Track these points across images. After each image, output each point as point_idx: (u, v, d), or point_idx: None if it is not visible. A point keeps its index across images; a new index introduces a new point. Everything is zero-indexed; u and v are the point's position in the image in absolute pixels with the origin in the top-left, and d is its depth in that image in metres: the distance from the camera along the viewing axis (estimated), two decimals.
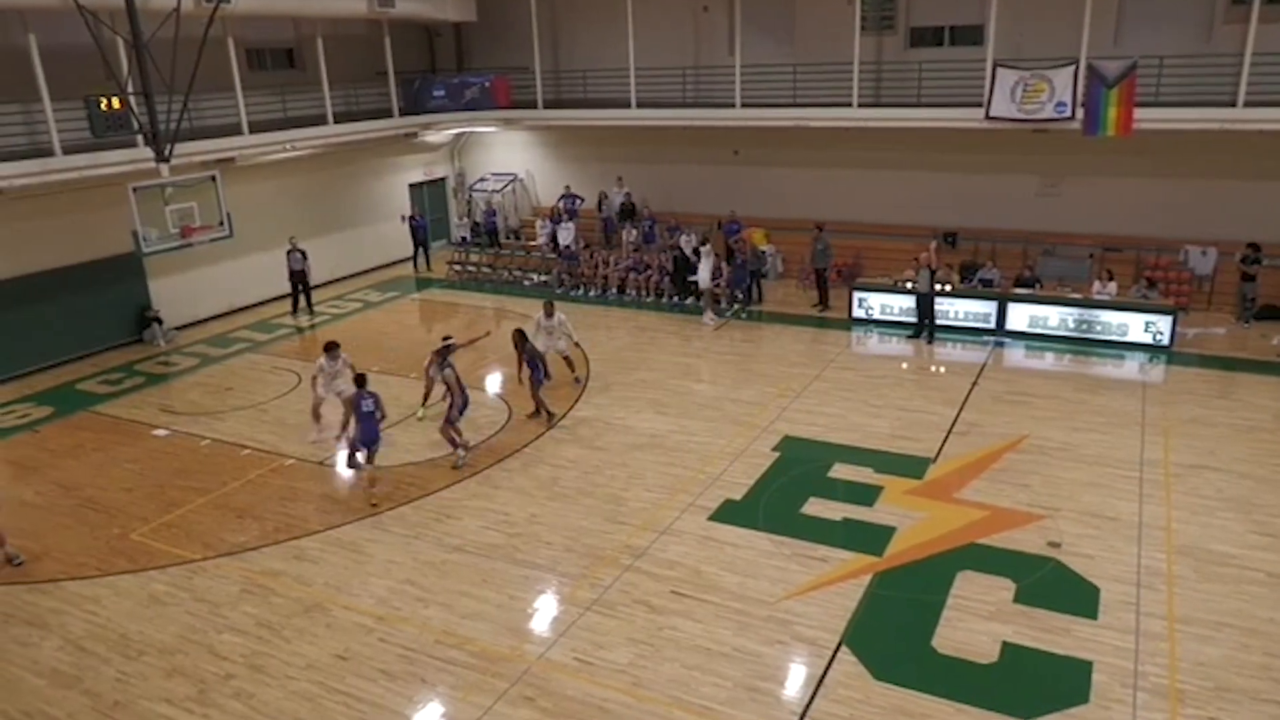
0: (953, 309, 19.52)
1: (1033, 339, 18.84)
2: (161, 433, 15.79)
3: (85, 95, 16.84)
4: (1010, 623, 9.76)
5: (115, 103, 17.12)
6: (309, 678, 9.38)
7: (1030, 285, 19.63)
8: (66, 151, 17.27)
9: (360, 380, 13.06)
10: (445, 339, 15.27)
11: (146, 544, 12.18)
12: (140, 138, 17.79)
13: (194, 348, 20.50)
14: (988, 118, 19.94)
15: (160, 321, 20.96)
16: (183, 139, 17.82)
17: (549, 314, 16.81)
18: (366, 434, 12.83)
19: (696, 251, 21.42)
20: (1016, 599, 10.16)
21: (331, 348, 14.86)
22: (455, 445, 14.10)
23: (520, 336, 15.45)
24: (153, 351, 20.21)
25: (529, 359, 15.42)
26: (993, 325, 19.22)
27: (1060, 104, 19.19)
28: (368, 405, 12.78)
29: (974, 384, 16.58)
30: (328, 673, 9.44)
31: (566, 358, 17.18)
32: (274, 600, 10.77)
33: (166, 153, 17.29)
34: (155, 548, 12.07)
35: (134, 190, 16.59)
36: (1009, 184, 22.22)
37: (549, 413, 15.52)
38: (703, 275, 20.69)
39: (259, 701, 9.06)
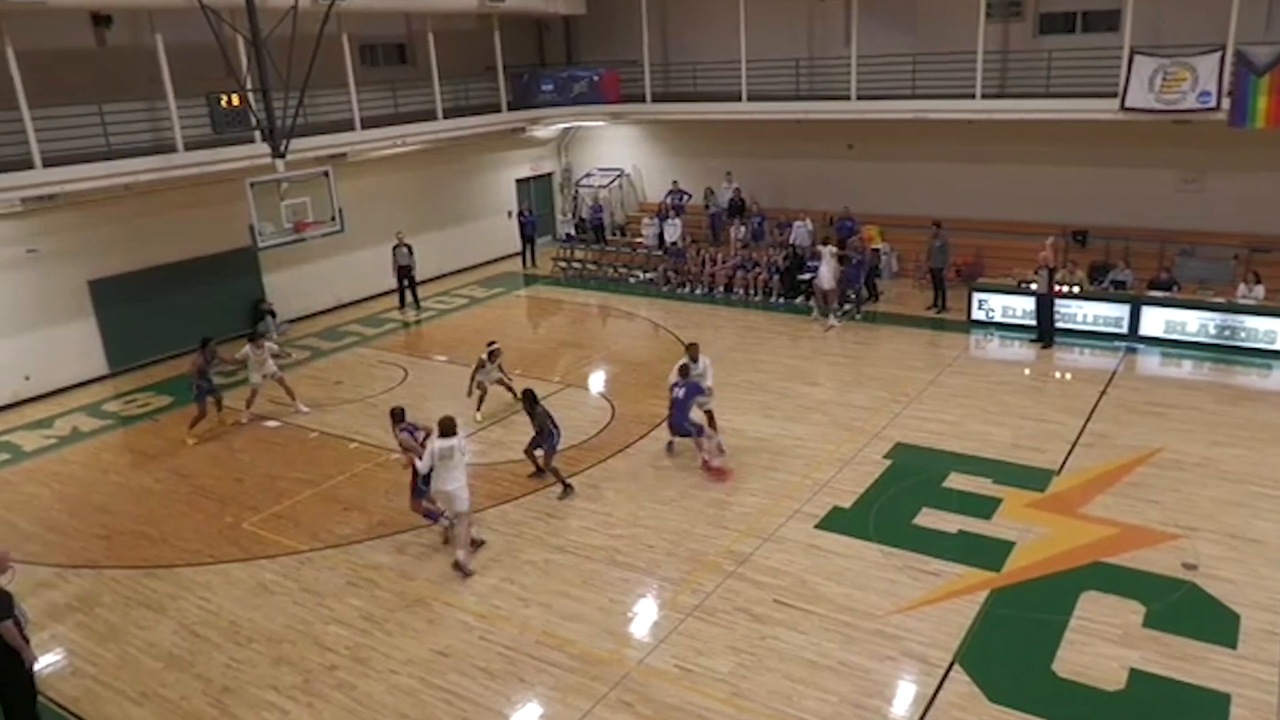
0: (1081, 312, 18.88)
1: (1169, 345, 18.06)
2: (272, 424, 16.40)
3: (207, 92, 17.59)
4: (1139, 648, 9.37)
5: (235, 99, 17.85)
6: (410, 672, 9.62)
7: (1167, 288, 18.83)
8: (188, 148, 18.09)
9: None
10: (490, 344, 15.90)
11: (257, 533, 12.69)
12: (258, 134, 18.51)
13: (305, 341, 21.24)
14: (1123, 108, 19.19)
15: (274, 315, 21.81)
16: (297, 135, 18.47)
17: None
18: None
19: (813, 249, 21.21)
20: (1146, 623, 9.75)
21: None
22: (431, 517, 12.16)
23: (531, 399, 13.27)
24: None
25: (541, 427, 13.22)
26: (1125, 330, 18.50)
27: (1204, 93, 18.32)
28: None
29: (1103, 392, 15.98)
30: (428, 668, 9.67)
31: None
32: (378, 593, 11.08)
33: (282, 148, 17.95)
34: (265, 537, 12.56)
35: (251, 185, 17.28)
36: (1144, 179, 21.32)
37: (565, 484, 13.30)
38: (824, 275, 20.07)
39: (361, 694, 9.34)
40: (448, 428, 11.37)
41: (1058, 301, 18.59)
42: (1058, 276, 18.62)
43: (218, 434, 16.19)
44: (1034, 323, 18.81)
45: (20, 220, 17.42)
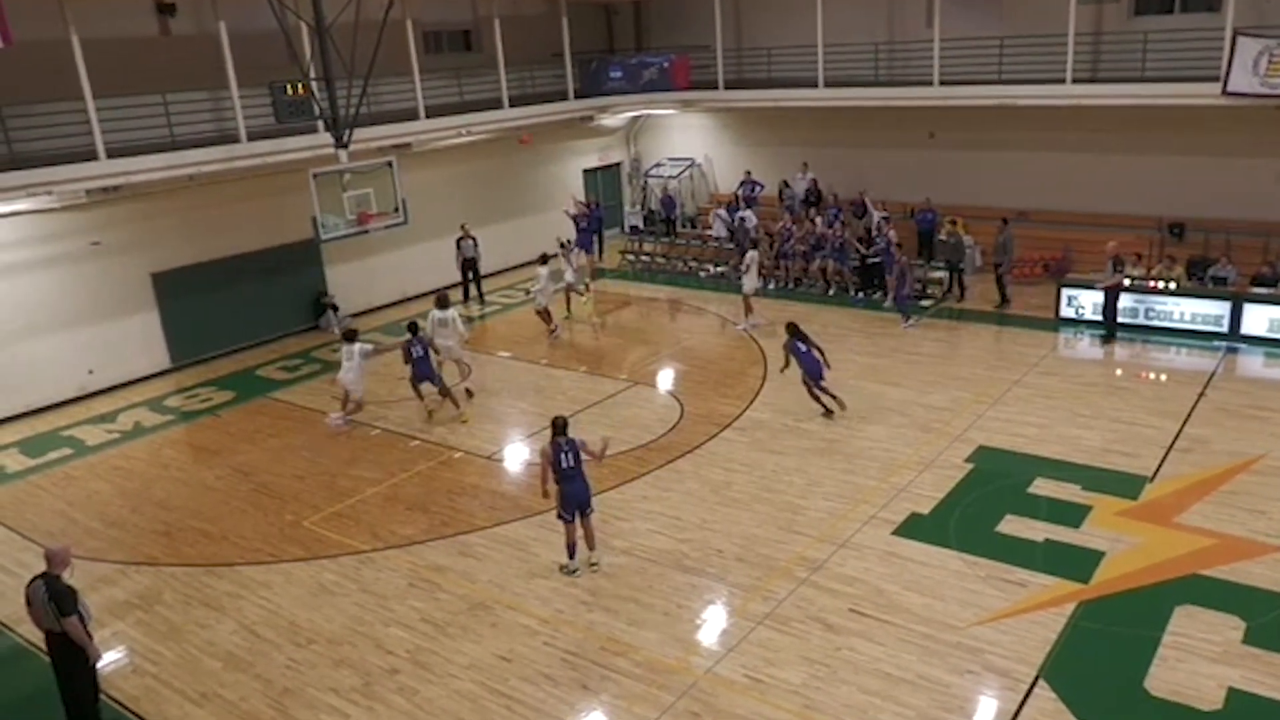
0: (1179, 310, 18.39)
1: (1274, 345, 17.53)
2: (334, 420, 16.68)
3: (270, 82, 17.94)
4: (1238, 666, 9.12)
5: (299, 88, 18.17)
6: (471, 677, 9.73)
7: (1271, 284, 18.27)
8: (251, 138, 18.45)
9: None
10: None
11: (317, 532, 12.94)
12: (321, 123, 18.82)
13: (367, 335, 21.49)
14: (1225, 93, 18.63)
15: (336, 308, 22.21)
16: (361, 124, 18.73)
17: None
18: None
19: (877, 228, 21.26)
20: (1246, 640, 9.49)
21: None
22: None
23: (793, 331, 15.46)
24: (328, 338, 21.36)
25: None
26: (1225, 329, 17.98)
27: None
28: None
29: (1201, 394, 15.55)
30: (490, 673, 9.76)
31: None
32: (440, 596, 11.22)
33: (345, 138, 18.23)
34: (326, 536, 12.79)
35: (314, 176, 17.57)
36: (1247, 168, 20.67)
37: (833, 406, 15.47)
38: (745, 283, 20.31)
39: (422, 698, 9.46)
40: (442, 302, 16.96)
41: (1152, 298, 18.13)
42: (1153, 272, 18.16)
43: (279, 431, 16.55)
44: (1130, 321, 18.50)
45: (83, 212, 17.97)
